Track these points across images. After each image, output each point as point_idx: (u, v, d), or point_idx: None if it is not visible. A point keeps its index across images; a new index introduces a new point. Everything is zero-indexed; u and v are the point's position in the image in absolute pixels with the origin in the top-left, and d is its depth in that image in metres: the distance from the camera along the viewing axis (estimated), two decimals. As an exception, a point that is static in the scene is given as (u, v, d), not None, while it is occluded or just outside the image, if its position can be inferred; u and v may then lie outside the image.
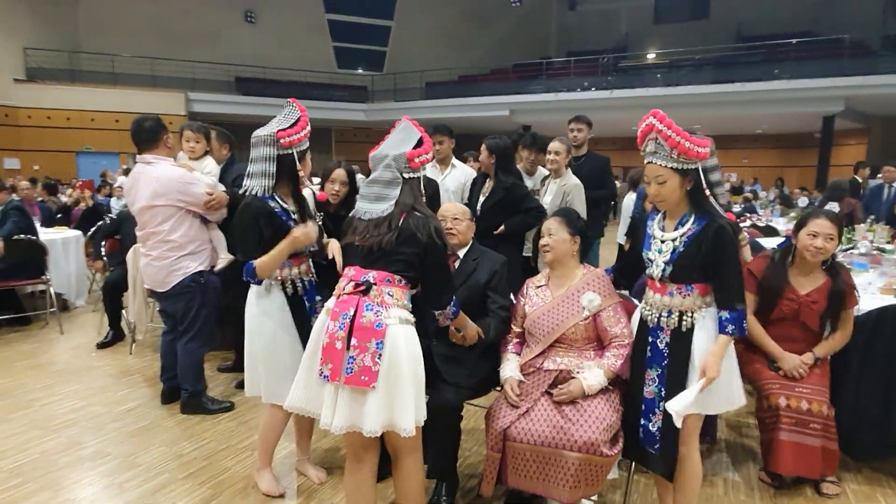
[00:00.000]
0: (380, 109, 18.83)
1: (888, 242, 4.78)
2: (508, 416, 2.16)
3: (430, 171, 4.11)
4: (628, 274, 2.39)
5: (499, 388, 2.56)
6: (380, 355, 1.78)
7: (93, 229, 5.74)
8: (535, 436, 2.09)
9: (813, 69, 13.84)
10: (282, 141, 2.26)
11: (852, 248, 4.42)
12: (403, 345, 1.83)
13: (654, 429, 2.04)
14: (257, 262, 2.26)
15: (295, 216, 2.37)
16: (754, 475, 2.67)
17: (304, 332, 2.30)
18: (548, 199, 3.87)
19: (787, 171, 18.34)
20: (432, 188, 3.74)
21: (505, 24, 22.04)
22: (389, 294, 1.87)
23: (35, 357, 4.29)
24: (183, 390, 3.30)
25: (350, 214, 2.00)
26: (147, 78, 17.18)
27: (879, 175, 10.31)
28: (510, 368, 2.33)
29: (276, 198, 2.34)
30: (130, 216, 3.90)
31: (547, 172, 4.00)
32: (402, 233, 1.87)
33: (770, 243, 4.38)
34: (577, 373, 2.19)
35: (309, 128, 2.37)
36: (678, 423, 1.90)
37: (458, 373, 2.37)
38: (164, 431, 3.09)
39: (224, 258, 3.32)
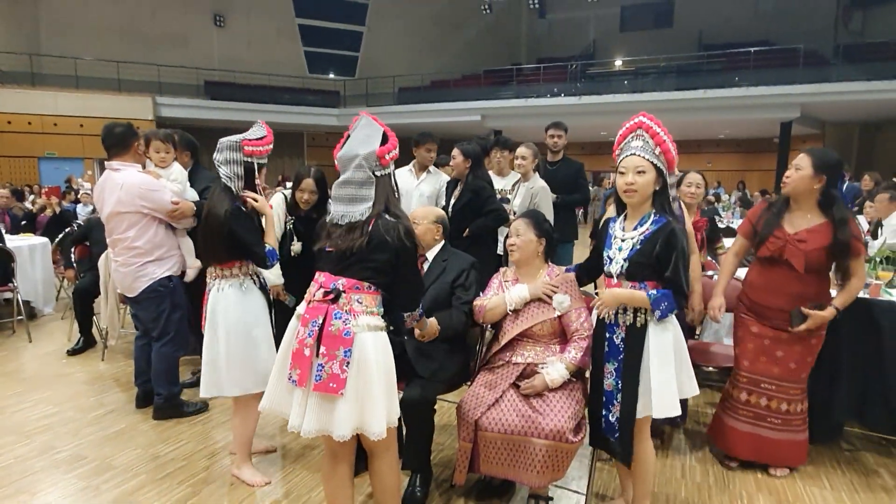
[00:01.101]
0: (353, 114, 18.36)
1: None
2: (479, 408, 2.28)
3: (406, 175, 4.23)
4: (592, 273, 2.51)
5: (469, 384, 2.68)
6: (348, 363, 1.81)
7: (60, 236, 5.69)
8: (505, 425, 2.21)
9: (770, 77, 14.43)
10: (245, 149, 2.48)
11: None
12: (371, 352, 1.84)
13: (613, 419, 2.16)
14: (270, 243, 2.59)
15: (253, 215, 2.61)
16: (709, 458, 2.84)
17: (274, 321, 2.62)
18: (517, 202, 4.03)
19: (747, 175, 18.99)
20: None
21: (476, 31, 22.30)
22: (358, 301, 1.87)
23: (3, 365, 4.23)
24: (156, 395, 3.30)
25: (323, 219, 2.00)
26: (112, 81, 16.83)
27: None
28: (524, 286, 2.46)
29: (237, 202, 2.51)
30: (100, 222, 3.91)
31: (518, 175, 4.16)
32: (373, 238, 1.87)
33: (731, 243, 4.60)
34: (541, 368, 2.32)
35: (270, 147, 2.59)
36: (678, 410, 2.06)
37: (430, 367, 2.48)
38: (140, 434, 3.11)
39: (194, 266, 3.35)
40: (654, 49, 18.45)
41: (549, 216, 3.77)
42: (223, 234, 2.45)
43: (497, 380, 2.38)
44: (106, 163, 3.16)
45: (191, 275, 3.34)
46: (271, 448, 2.93)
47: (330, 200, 1.98)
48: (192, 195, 3.42)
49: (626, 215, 2.18)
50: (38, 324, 5.35)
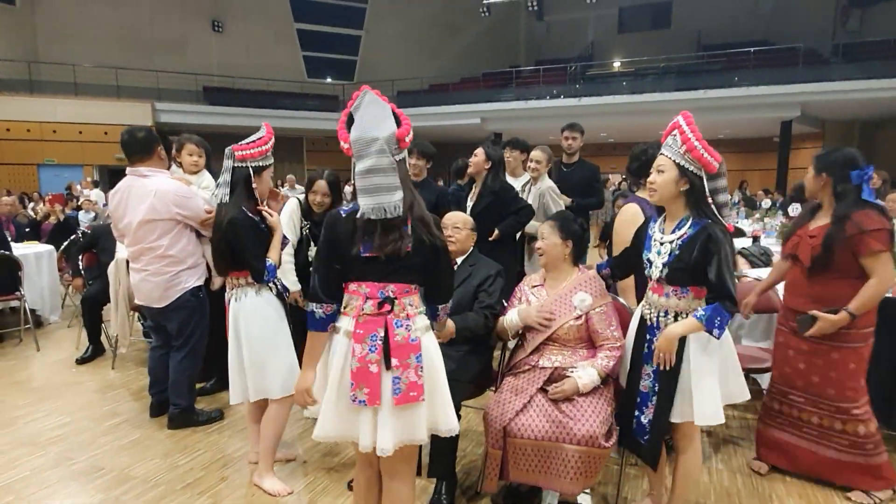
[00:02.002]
0: (351, 118, 18.81)
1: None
2: (507, 414, 2.24)
3: None
4: (624, 269, 2.49)
5: (493, 389, 2.65)
6: (421, 368, 1.74)
7: (65, 244, 5.64)
8: (535, 431, 2.17)
9: (770, 76, 14.48)
10: (236, 154, 2.47)
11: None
12: (434, 351, 1.81)
13: (646, 421, 2.15)
14: (273, 258, 2.56)
15: (262, 226, 2.59)
16: (736, 463, 2.81)
17: (294, 326, 2.58)
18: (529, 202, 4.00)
19: (748, 175, 19.00)
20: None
21: (474, 34, 22.32)
22: (410, 304, 1.78)
23: (12, 374, 4.18)
24: (172, 405, 3.25)
25: (338, 218, 1.77)
26: (111, 88, 16.81)
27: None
28: (512, 311, 2.48)
29: (244, 210, 2.51)
30: (108, 230, 3.86)
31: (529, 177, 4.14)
32: (414, 237, 1.74)
33: (737, 244, 4.58)
34: (571, 371, 2.28)
35: (267, 147, 2.56)
36: (722, 418, 2.04)
37: (447, 367, 2.43)
38: (157, 444, 3.07)
39: (220, 279, 3.32)
40: (653, 50, 18.49)
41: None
42: (224, 243, 2.49)
43: (524, 384, 2.34)
44: (129, 168, 3.09)
45: (217, 283, 3.31)
46: (291, 456, 2.89)
47: (357, 192, 1.74)
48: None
49: (664, 217, 2.15)
50: (44, 332, 5.30)
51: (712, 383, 2.01)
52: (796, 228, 2.56)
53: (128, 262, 3.37)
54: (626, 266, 2.44)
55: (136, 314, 4.47)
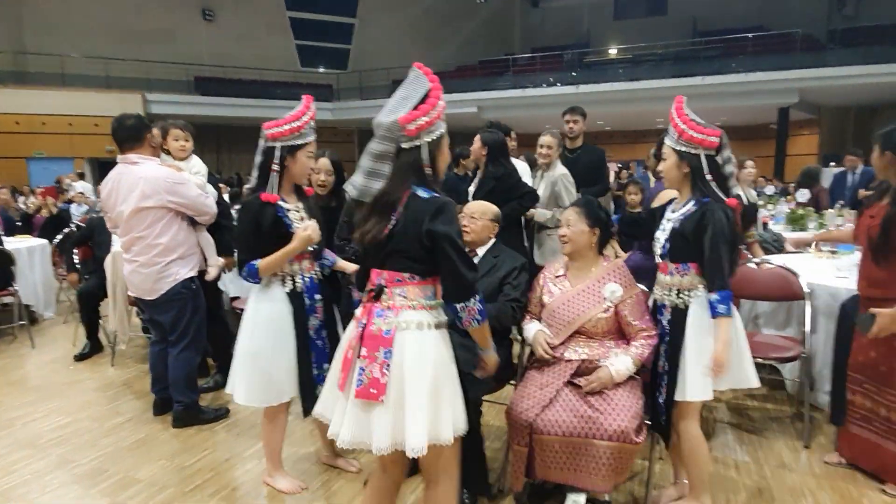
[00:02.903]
0: (346, 108, 18.60)
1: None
2: (533, 409, 2.15)
3: None
4: (632, 227, 2.49)
5: (513, 383, 2.55)
6: (388, 365, 1.62)
7: (59, 237, 5.48)
8: (562, 427, 2.08)
9: (768, 63, 14.38)
10: (267, 132, 2.24)
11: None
12: (415, 352, 1.64)
13: (661, 401, 2.16)
14: (261, 263, 2.22)
15: (291, 213, 2.29)
16: (763, 456, 2.73)
17: (300, 331, 2.30)
18: (540, 192, 3.89)
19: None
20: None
21: (469, 21, 22.07)
22: (402, 295, 1.67)
23: (8, 373, 4.06)
24: (175, 403, 3.13)
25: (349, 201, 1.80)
26: (100, 79, 16.49)
27: (832, 163, 10.81)
28: (535, 327, 2.36)
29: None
30: (102, 223, 3.73)
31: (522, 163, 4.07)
32: (399, 223, 1.65)
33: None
34: (603, 361, 2.19)
35: (301, 123, 2.26)
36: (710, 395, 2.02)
37: (471, 362, 2.33)
38: (162, 444, 2.96)
39: (215, 265, 3.21)
40: (649, 36, 18.33)
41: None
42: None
43: (549, 378, 2.25)
44: (119, 157, 2.97)
45: (213, 273, 3.20)
46: (355, 466, 2.65)
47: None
48: (212, 190, 3.28)
49: (678, 199, 2.20)
50: (39, 329, 5.16)
51: (702, 358, 2.01)
52: (865, 209, 2.45)
53: (123, 253, 3.25)
54: (635, 226, 2.45)
55: (135, 308, 4.35)
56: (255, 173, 2.29)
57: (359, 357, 1.66)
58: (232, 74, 18.52)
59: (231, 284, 4.27)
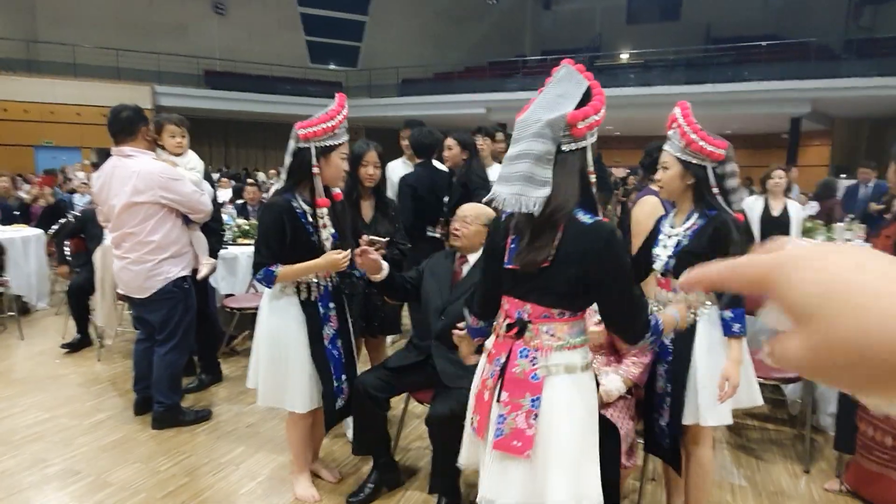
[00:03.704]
0: (355, 106, 18.32)
1: (865, 240, 4.87)
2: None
3: (400, 167, 4.00)
4: (639, 270, 2.30)
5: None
6: (535, 415, 1.41)
7: (55, 227, 5.43)
8: (547, 447, 1.97)
9: (781, 71, 14.16)
10: (299, 133, 2.11)
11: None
12: (565, 400, 1.44)
13: (664, 423, 2.03)
14: (281, 272, 2.14)
15: (314, 219, 2.19)
16: (760, 480, 2.61)
17: (316, 342, 2.24)
18: None
19: (755, 171, 18.72)
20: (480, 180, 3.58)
21: (480, 22, 21.96)
22: (549, 333, 1.46)
23: (-7, 365, 4.00)
24: (156, 403, 3.05)
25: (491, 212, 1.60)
26: (110, 70, 16.50)
27: (843, 175, 10.64)
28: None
29: (297, 196, 2.17)
30: (95, 216, 3.66)
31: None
32: (561, 248, 1.40)
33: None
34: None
35: (334, 123, 2.14)
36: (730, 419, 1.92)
37: (460, 378, 2.25)
38: (139, 445, 2.88)
39: (207, 264, 3.13)
40: (662, 42, 18.16)
41: None
42: None
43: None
44: (114, 149, 2.89)
45: (203, 272, 3.12)
46: (335, 476, 2.59)
47: (497, 178, 1.50)
48: (208, 187, 3.20)
49: (675, 212, 2.07)
50: (31, 319, 5.10)
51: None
52: (882, 228, 2.36)
53: (113, 249, 3.17)
54: (641, 266, 2.27)
55: (126, 303, 4.28)
56: (283, 175, 2.19)
57: (497, 401, 1.47)
58: (242, 69, 18.51)
59: (223, 282, 4.19)
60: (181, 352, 3.06)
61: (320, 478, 2.56)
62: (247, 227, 4.99)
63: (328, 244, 2.22)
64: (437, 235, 3.55)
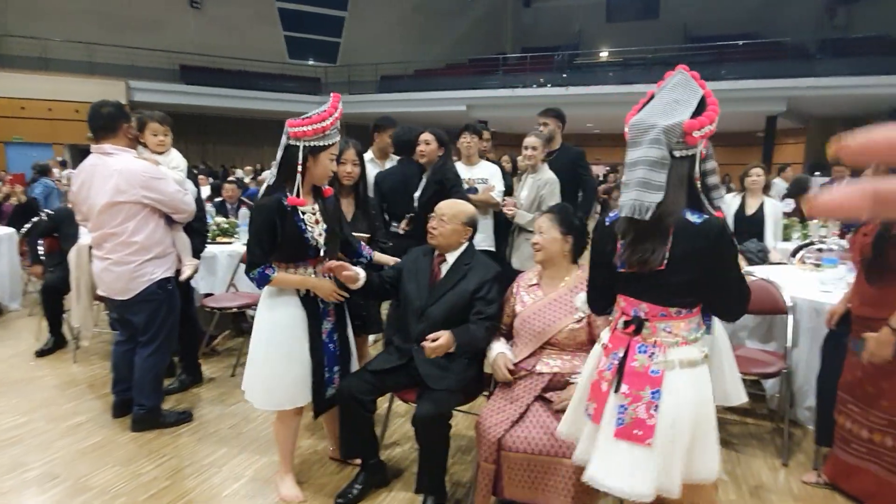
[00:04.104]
0: (334, 102, 18.40)
1: (840, 237, 4.97)
2: (502, 425, 2.06)
3: (368, 165, 3.97)
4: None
5: (486, 394, 2.46)
6: (656, 407, 1.49)
7: (27, 226, 5.29)
8: (530, 444, 1.99)
9: (757, 70, 14.40)
10: (290, 131, 2.12)
11: (810, 243, 4.54)
12: (684, 392, 1.51)
13: None
14: (276, 277, 2.18)
15: (306, 216, 2.21)
16: (741, 474, 2.66)
17: (315, 336, 2.27)
18: (523, 194, 3.79)
19: (732, 169, 19.03)
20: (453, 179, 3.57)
21: (460, 19, 21.93)
22: (667, 331, 1.54)
23: (-36, 368, 3.89)
24: (137, 406, 2.99)
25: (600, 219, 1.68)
26: (83, 64, 16.12)
27: (817, 173, 10.86)
28: (499, 347, 2.26)
29: (288, 194, 2.17)
30: (70, 215, 3.58)
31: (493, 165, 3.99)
32: (675, 254, 1.47)
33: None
34: (574, 377, 2.10)
35: (326, 124, 2.14)
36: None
37: (444, 379, 2.26)
38: (119, 448, 2.82)
39: (190, 265, 3.08)
40: (641, 40, 18.34)
41: None
42: None
43: (519, 392, 2.16)
44: (94, 146, 2.81)
45: (186, 273, 3.06)
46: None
47: (620, 186, 1.60)
48: (191, 186, 3.15)
49: None
50: (3, 321, 4.99)
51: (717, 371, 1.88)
52: (861, 226, 2.36)
53: (90, 248, 3.11)
54: None
55: (102, 304, 4.20)
56: (274, 170, 2.22)
57: (616, 392, 1.55)
58: (218, 64, 18.21)
59: (202, 281, 4.13)
60: (164, 353, 3.01)
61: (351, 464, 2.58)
62: (226, 226, 4.92)
63: (321, 239, 2.24)
64: (400, 231, 3.53)
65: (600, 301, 1.74)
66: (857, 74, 13.40)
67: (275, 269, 2.18)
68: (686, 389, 1.52)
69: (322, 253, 2.27)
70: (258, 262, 2.16)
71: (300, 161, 2.12)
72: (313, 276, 2.28)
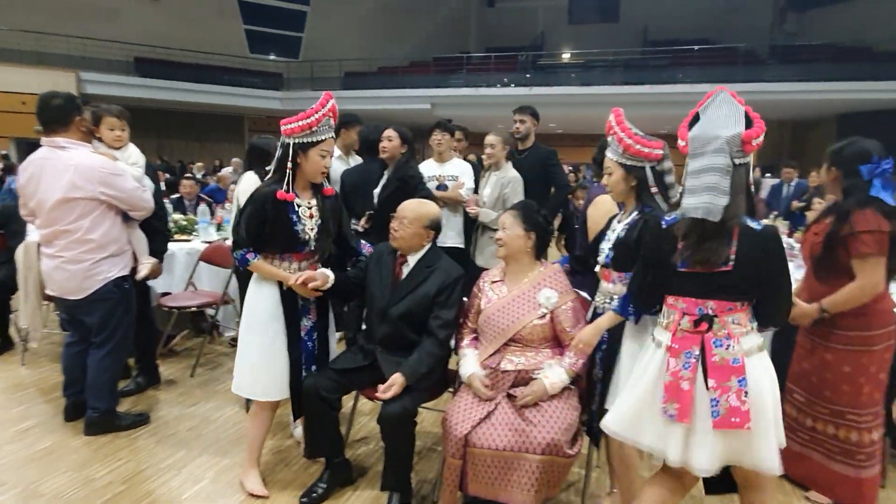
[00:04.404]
0: (296, 98, 18.07)
1: (788, 236, 5.20)
2: (468, 422, 2.08)
3: (335, 162, 3.95)
4: (588, 261, 2.37)
5: (451, 390, 2.47)
6: (746, 393, 1.62)
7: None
8: (496, 441, 2.02)
9: (712, 75, 14.87)
10: (282, 129, 2.22)
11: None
12: (764, 375, 1.66)
13: (594, 408, 2.14)
14: (254, 264, 2.29)
15: (301, 209, 2.30)
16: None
17: (292, 333, 2.33)
18: (487, 192, 3.82)
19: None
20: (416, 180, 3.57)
21: (424, 17, 21.89)
22: (735, 323, 1.67)
23: None
24: (90, 409, 2.89)
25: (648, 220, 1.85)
26: (31, 54, 15.41)
27: (767, 174, 11.30)
28: (471, 365, 2.25)
29: (278, 187, 2.24)
30: (16, 212, 3.42)
31: (464, 163, 4.01)
32: (740, 252, 1.62)
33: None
34: (538, 373, 2.14)
35: (312, 120, 2.20)
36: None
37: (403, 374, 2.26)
38: (71, 453, 2.72)
39: (146, 263, 2.99)
40: (602, 42, 18.71)
41: None
42: None
43: (490, 387, 2.18)
44: (45, 139, 2.70)
45: (143, 272, 2.97)
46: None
47: (683, 192, 1.70)
48: (149, 183, 3.05)
49: (624, 211, 2.18)
50: (-56, 323, 4.71)
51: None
52: (812, 225, 2.46)
53: (39, 245, 2.98)
54: (580, 264, 2.39)
55: (52, 303, 4.03)
56: (272, 167, 2.33)
57: (707, 389, 1.64)
58: (175, 57, 17.69)
59: (159, 280, 4.01)
60: (120, 355, 2.92)
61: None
62: (184, 223, 4.80)
63: (311, 234, 2.31)
64: (360, 229, 3.52)
65: (648, 299, 1.84)
66: (805, 80, 14.00)
67: (256, 255, 2.28)
68: (762, 372, 1.66)
69: (312, 249, 2.34)
70: (243, 244, 2.27)
71: (290, 157, 2.21)
72: (296, 272, 2.31)
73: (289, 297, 2.32)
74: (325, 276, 2.32)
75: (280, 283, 2.31)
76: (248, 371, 2.33)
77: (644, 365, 1.79)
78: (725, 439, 1.64)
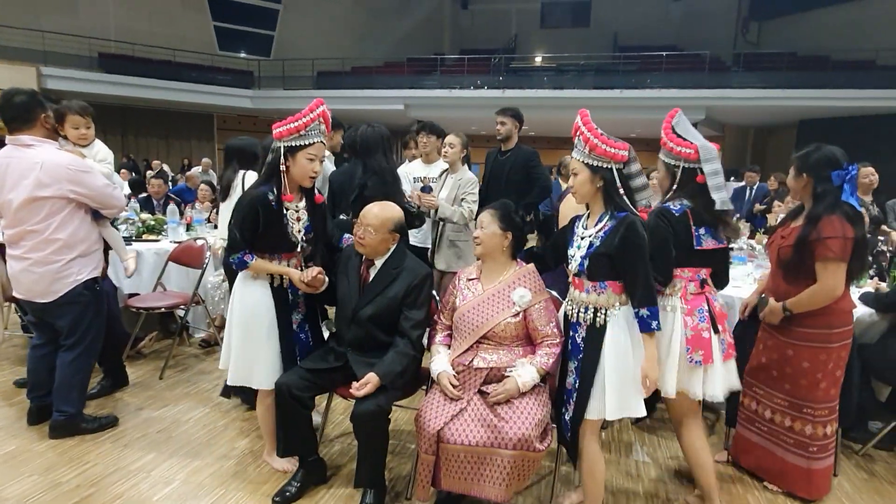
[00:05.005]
0: (267, 97, 17.87)
1: (749, 237, 5.38)
2: (441, 418, 2.11)
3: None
4: (557, 257, 2.39)
5: (424, 388, 2.50)
6: (732, 331, 2.30)
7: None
8: (469, 437, 2.06)
9: (679, 80, 15.28)
10: (273, 132, 2.27)
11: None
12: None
13: (567, 417, 2.15)
14: (253, 264, 2.32)
15: (289, 213, 2.34)
16: (660, 456, 2.85)
17: (283, 326, 2.38)
18: (444, 194, 3.81)
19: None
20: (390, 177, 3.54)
21: (398, 18, 21.85)
22: (711, 282, 2.27)
23: None
24: (57, 412, 2.82)
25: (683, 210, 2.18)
26: (-13, 47, 14.90)
27: (732, 178, 11.63)
28: (441, 363, 2.28)
29: (273, 190, 2.30)
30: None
31: (445, 165, 4.00)
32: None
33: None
34: (510, 371, 2.19)
35: (299, 124, 2.25)
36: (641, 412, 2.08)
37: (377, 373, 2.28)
38: (36, 457, 2.66)
39: (131, 257, 2.97)
40: (573, 47, 18.97)
41: (474, 211, 3.65)
42: None
43: (459, 387, 2.22)
44: (9, 137, 2.62)
45: (131, 265, 2.96)
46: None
47: (712, 189, 2.15)
48: (119, 179, 3.00)
49: (588, 214, 2.18)
50: None
51: (626, 377, 2.02)
52: (776, 228, 2.55)
53: (2, 246, 2.91)
54: (538, 261, 2.37)
55: (13, 305, 3.92)
56: (262, 170, 2.37)
57: (716, 332, 2.18)
58: (141, 53, 17.26)
59: (126, 281, 3.94)
60: (89, 357, 2.86)
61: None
62: (152, 223, 4.72)
63: (300, 235, 2.38)
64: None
65: (670, 274, 2.20)
66: (767, 87, 14.46)
67: (254, 256, 2.31)
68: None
69: (299, 249, 2.41)
70: (238, 247, 2.29)
71: (281, 160, 2.26)
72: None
73: (280, 291, 2.38)
74: (324, 277, 2.41)
75: (272, 278, 2.37)
76: (243, 363, 2.38)
77: (663, 330, 2.12)
78: (727, 369, 2.19)
